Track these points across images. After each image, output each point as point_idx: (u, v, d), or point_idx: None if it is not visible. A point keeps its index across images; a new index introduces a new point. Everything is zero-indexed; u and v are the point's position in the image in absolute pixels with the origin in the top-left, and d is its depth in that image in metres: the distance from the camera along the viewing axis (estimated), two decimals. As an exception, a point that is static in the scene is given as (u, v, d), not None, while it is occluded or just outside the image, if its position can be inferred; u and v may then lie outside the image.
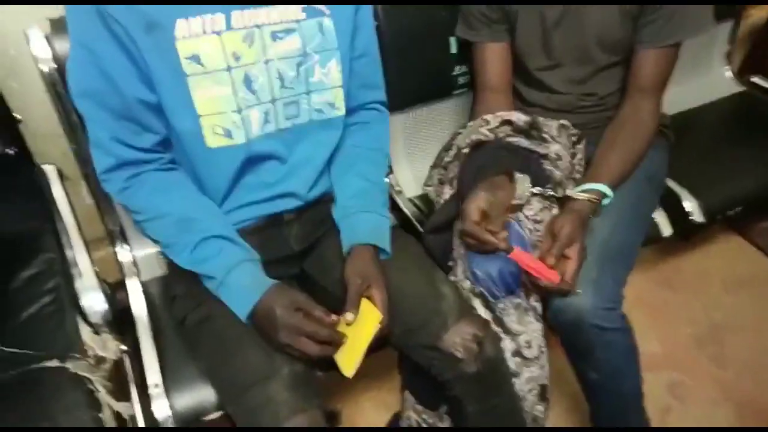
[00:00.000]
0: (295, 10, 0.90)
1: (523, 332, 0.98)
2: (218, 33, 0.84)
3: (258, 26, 0.87)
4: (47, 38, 1.00)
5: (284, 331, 0.82)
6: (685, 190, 1.34)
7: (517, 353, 0.98)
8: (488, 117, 1.14)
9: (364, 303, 0.89)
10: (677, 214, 1.32)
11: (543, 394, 1.02)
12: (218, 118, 0.88)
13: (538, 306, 1.00)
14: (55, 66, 1.01)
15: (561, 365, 1.12)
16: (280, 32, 0.89)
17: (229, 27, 0.85)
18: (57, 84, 1.01)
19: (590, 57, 1.15)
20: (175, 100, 0.86)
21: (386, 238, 0.98)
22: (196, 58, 0.83)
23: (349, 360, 0.86)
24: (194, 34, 0.83)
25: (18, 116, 1.14)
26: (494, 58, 1.20)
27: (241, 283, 0.87)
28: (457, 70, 1.37)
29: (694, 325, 1.60)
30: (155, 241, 0.93)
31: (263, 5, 0.87)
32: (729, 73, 1.72)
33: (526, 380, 0.99)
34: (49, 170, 1.12)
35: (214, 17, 0.84)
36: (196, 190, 0.94)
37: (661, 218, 1.30)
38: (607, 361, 1.06)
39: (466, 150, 1.11)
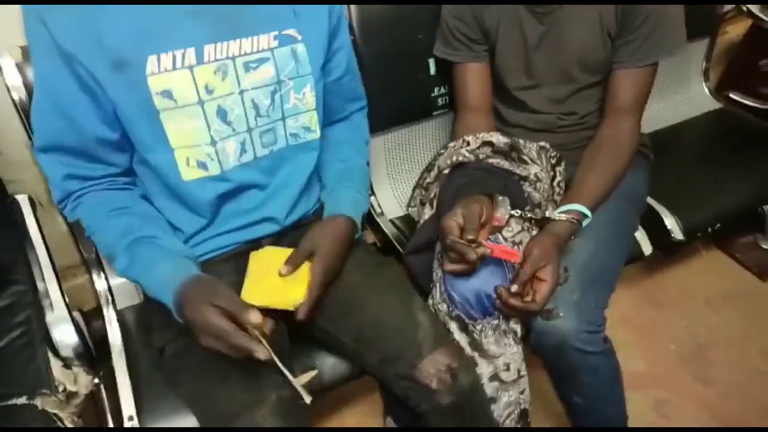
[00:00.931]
0: (267, 39, 0.89)
1: (501, 354, 0.97)
2: (190, 68, 0.83)
3: (230, 58, 0.86)
4: (18, 66, 0.99)
5: (201, 333, 0.76)
6: (664, 208, 1.34)
7: (494, 377, 0.97)
8: (469, 138, 1.14)
9: (304, 269, 0.89)
10: (657, 232, 1.32)
11: (524, 418, 1.00)
12: (192, 151, 0.87)
13: (518, 328, 0.99)
14: (27, 93, 0.99)
15: (544, 387, 1.11)
16: (253, 62, 0.88)
17: (200, 61, 0.84)
18: (29, 112, 0.99)
19: (570, 77, 1.15)
20: (147, 134, 0.85)
21: (359, 215, 1.00)
22: (167, 93, 0.82)
23: (255, 292, 0.86)
24: (165, 69, 0.82)
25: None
26: (474, 78, 1.20)
27: (165, 273, 0.83)
28: (437, 91, 1.38)
29: (678, 342, 1.60)
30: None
31: (235, 39, 0.86)
32: (706, 90, 1.74)
33: (504, 405, 0.98)
34: (22, 199, 1.10)
35: (186, 52, 0.82)
36: (133, 199, 0.93)
37: (641, 236, 1.30)
38: (590, 385, 1.05)
39: (446, 171, 1.11)
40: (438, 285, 1.00)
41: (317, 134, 0.99)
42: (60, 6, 0.76)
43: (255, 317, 0.74)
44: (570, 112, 1.20)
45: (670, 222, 1.33)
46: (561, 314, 0.98)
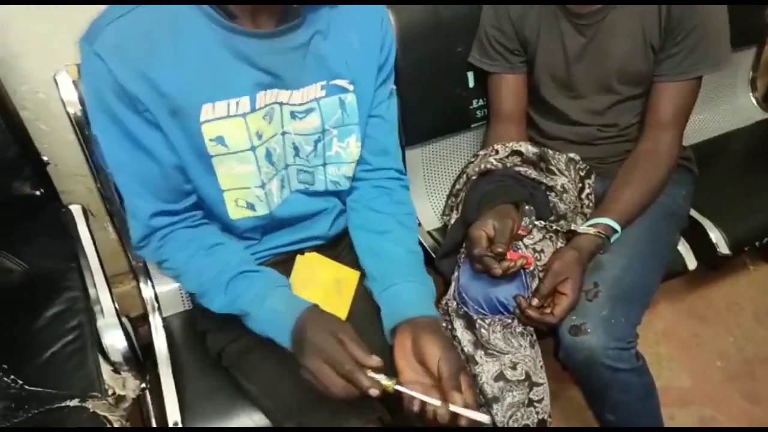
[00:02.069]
0: (315, 89, 0.87)
1: (509, 352, 0.95)
2: (243, 115, 0.83)
3: (278, 103, 0.86)
4: (74, 82, 1.03)
5: (310, 354, 0.73)
6: (709, 221, 1.31)
7: (499, 376, 0.94)
8: (498, 146, 1.14)
9: (348, 284, 0.93)
10: (702, 246, 1.29)
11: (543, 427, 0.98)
12: (242, 193, 0.88)
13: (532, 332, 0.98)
14: (82, 109, 1.04)
15: (582, 403, 1.09)
16: (300, 113, 0.87)
17: (253, 108, 0.83)
18: (83, 126, 1.04)
19: (611, 88, 1.14)
20: (199, 176, 0.86)
21: (431, 304, 0.89)
22: (220, 140, 0.82)
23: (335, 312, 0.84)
24: (219, 116, 0.81)
25: (45, 158, 1.17)
26: (509, 89, 1.20)
27: (276, 308, 0.82)
28: (475, 103, 1.37)
29: (725, 358, 1.55)
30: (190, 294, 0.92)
31: (286, 89, 0.85)
32: (753, 100, 1.70)
33: (508, 406, 0.94)
34: (75, 210, 1.14)
35: (240, 100, 0.82)
36: (220, 234, 0.92)
37: (685, 250, 1.27)
38: (622, 403, 1.03)
39: (474, 177, 1.11)
40: (453, 283, 1.01)
41: None
42: (118, 48, 0.76)
43: (377, 362, 0.71)
44: (610, 124, 1.18)
45: (715, 236, 1.29)
46: (589, 330, 0.96)
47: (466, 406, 0.71)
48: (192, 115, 0.80)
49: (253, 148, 0.85)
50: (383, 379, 0.71)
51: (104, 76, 0.76)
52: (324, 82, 0.87)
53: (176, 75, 0.78)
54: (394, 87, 1.00)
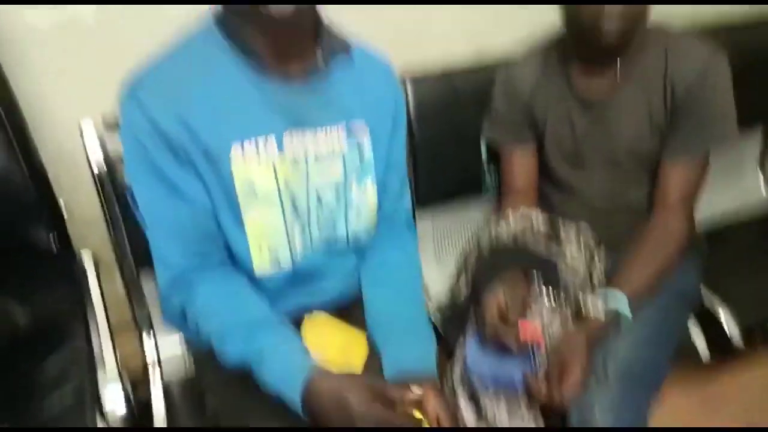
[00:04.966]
0: (340, 140, 0.92)
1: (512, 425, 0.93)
2: (272, 159, 0.86)
3: (304, 152, 0.89)
4: (99, 132, 1.06)
5: (362, 423, 0.75)
6: (722, 305, 1.29)
7: None
8: (509, 215, 1.15)
9: (359, 341, 0.93)
10: (714, 332, 1.27)
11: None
12: (267, 242, 0.89)
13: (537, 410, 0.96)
14: (104, 158, 1.06)
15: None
16: (324, 158, 0.91)
17: (281, 149, 0.86)
18: (104, 176, 1.06)
19: (620, 165, 1.16)
20: (228, 224, 0.88)
21: (432, 360, 0.93)
22: (250, 185, 0.85)
23: None
24: (249, 160, 0.84)
25: (63, 205, 1.19)
26: (520, 162, 1.23)
27: (290, 359, 0.83)
28: (487, 173, 1.40)
29: (736, 449, 1.49)
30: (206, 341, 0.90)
31: (311, 128, 0.89)
32: (762, 181, 1.71)
33: None
34: (86, 256, 1.15)
35: (268, 139, 0.86)
36: (247, 282, 0.92)
37: (698, 337, 1.25)
38: None
39: (484, 247, 1.12)
40: (460, 351, 1.00)
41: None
42: (158, 94, 0.81)
43: (415, 395, 0.80)
44: (619, 199, 1.19)
45: (727, 320, 1.27)
46: (597, 413, 0.94)
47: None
48: (223, 157, 0.83)
49: (280, 195, 0.88)
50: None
51: (144, 123, 0.80)
52: (344, 123, 0.92)
53: (209, 117, 0.82)
54: (407, 140, 1.06)
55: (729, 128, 1.09)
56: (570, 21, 1.07)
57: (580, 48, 1.11)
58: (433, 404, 0.83)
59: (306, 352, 0.85)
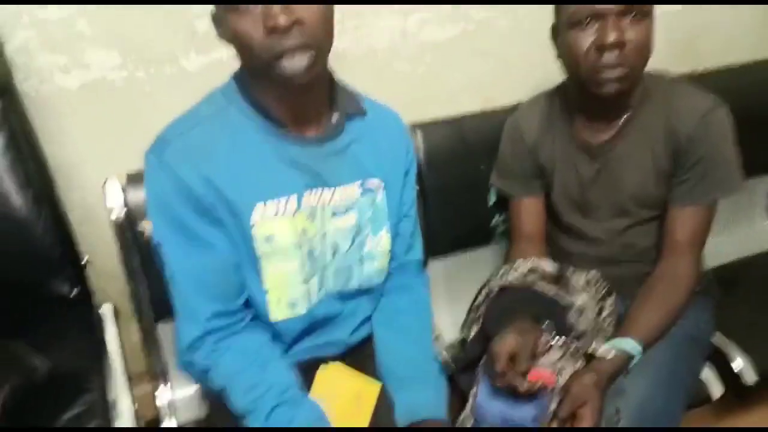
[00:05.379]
0: (355, 191, 0.96)
1: None
2: (290, 216, 0.89)
3: (322, 205, 0.93)
4: (123, 189, 1.11)
5: None
6: (735, 348, 1.28)
7: None
8: (518, 262, 1.16)
9: (370, 394, 0.94)
10: (727, 373, 1.26)
11: None
12: (285, 292, 0.92)
13: None
14: (126, 214, 1.10)
15: None
16: (340, 212, 0.95)
17: (299, 206, 0.90)
18: (126, 230, 1.11)
19: (627, 212, 1.17)
20: (247, 276, 0.91)
21: (443, 406, 0.97)
22: (269, 239, 0.89)
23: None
24: (269, 217, 0.88)
25: (85, 259, 1.22)
26: (528, 210, 1.25)
27: None
28: (496, 219, 1.42)
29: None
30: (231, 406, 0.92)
31: (329, 187, 0.93)
32: (772, 227, 1.72)
33: None
34: (107, 310, 1.17)
35: (289, 199, 0.89)
36: (270, 346, 0.94)
37: (711, 378, 1.24)
38: None
39: (494, 292, 1.13)
40: (471, 399, 1.00)
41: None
42: (186, 156, 0.85)
43: None
44: (628, 245, 1.20)
45: (741, 363, 1.26)
46: None
47: None
48: (246, 214, 0.87)
49: (298, 246, 0.90)
50: None
51: (171, 184, 0.84)
52: (360, 181, 0.95)
53: (233, 178, 0.86)
54: (417, 187, 1.11)
55: (734, 177, 1.10)
56: (570, 72, 1.09)
57: (582, 99, 1.14)
58: None
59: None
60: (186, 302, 0.90)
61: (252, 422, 0.88)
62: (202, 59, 1.28)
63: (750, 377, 1.26)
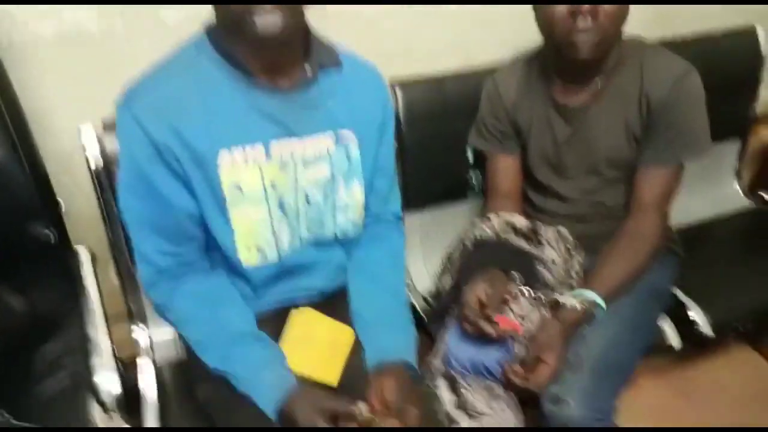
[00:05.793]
0: (328, 142, 0.96)
1: (490, 415, 0.98)
2: (258, 164, 0.90)
3: (292, 156, 0.93)
4: (98, 136, 1.10)
5: None
6: (694, 302, 1.34)
7: None
8: (492, 216, 1.20)
9: (344, 342, 0.97)
10: (685, 326, 1.32)
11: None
12: (254, 239, 0.94)
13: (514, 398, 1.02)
14: (103, 161, 1.11)
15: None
16: (311, 162, 0.95)
17: (268, 156, 0.91)
18: (102, 177, 1.11)
19: (598, 171, 1.20)
20: (215, 222, 0.92)
21: (413, 354, 0.99)
22: (237, 186, 0.90)
23: (295, 360, 0.92)
24: (236, 165, 0.89)
25: (61, 202, 1.23)
26: (505, 168, 1.28)
27: (267, 382, 0.89)
28: (473, 176, 1.45)
29: (705, 441, 1.54)
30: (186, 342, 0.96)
31: (298, 137, 0.93)
32: (739, 189, 1.76)
33: None
34: (82, 252, 1.19)
35: (255, 147, 0.90)
36: (228, 288, 0.97)
37: (670, 329, 1.30)
38: None
39: (468, 244, 1.17)
40: (440, 344, 1.05)
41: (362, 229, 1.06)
42: (153, 108, 0.85)
43: (365, 410, 0.83)
44: (599, 203, 1.24)
45: (699, 317, 1.32)
46: (570, 401, 0.99)
47: None
48: (211, 161, 0.87)
49: (266, 196, 0.92)
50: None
51: (139, 138, 0.85)
52: (332, 132, 0.95)
53: (201, 127, 0.86)
54: (396, 144, 1.11)
55: (702, 141, 1.13)
56: (546, 36, 1.11)
57: (558, 62, 1.15)
58: (406, 395, 0.89)
59: (280, 377, 0.90)
60: (140, 243, 0.93)
61: (208, 357, 0.91)
62: (180, 12, 1.26)
63: (707, 331, 1.31)
